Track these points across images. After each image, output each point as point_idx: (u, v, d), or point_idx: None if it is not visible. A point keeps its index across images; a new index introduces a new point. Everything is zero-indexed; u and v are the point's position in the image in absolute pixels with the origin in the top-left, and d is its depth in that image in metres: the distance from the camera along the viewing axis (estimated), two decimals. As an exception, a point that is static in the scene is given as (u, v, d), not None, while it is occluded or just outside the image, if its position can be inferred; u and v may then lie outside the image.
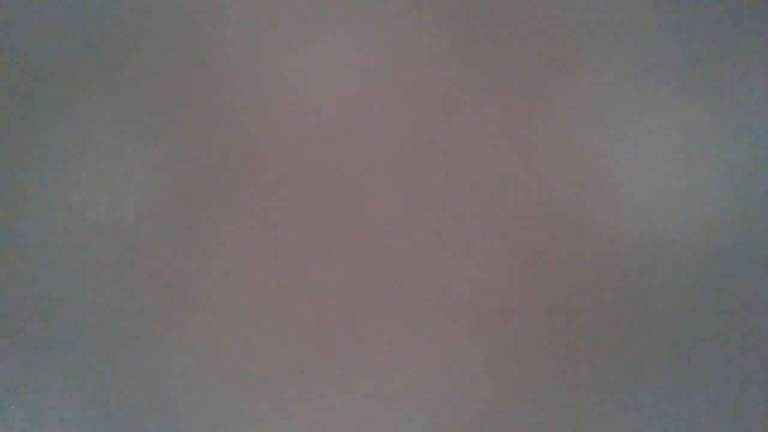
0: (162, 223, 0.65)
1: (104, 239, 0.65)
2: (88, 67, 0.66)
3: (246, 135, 0.66)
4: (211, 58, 0.66)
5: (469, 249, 0.65)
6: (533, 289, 0.65)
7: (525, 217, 0.65)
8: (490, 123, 0.66)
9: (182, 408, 0.64)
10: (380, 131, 0.66)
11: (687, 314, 0.65)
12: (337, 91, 0.66)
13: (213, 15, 0.67)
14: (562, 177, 0.65)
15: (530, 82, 0.66)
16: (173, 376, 0.64)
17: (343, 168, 0.66)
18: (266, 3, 0.67)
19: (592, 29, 0.66)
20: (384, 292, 0.65)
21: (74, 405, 0.64)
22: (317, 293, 0.65)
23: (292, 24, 0.66)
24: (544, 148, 0.66)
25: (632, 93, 0.66)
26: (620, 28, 0.66)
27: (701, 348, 0.65)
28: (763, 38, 0.66)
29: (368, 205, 0.65)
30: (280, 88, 0.66)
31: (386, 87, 0.66)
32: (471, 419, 0.64)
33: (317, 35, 0.66)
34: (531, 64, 0.66)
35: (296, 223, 0.65)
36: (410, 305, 0.65)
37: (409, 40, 0.66)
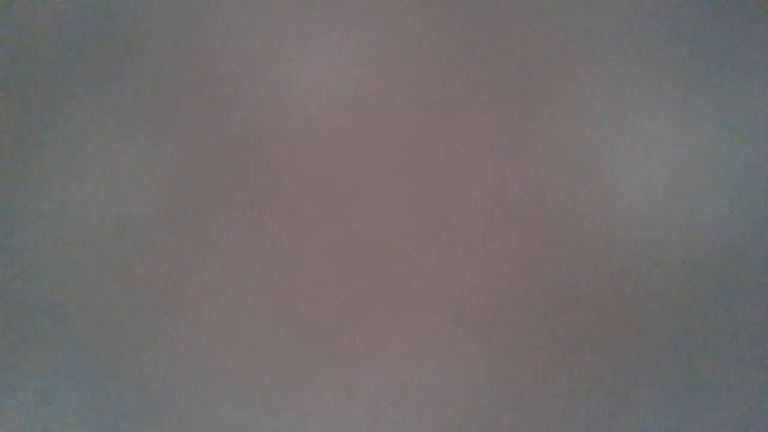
0: (162, 223, 0.65)
1: (104, 239, 0.65)
2: (88, 67, 0.66)
3: (246, 135, 0.66)
4: (212, 58, 0.66)
5: (469, 249, 0.65)
6: (533, 290, 0.65)
7: (525, 217, 0.65)
8: (490, 123, 0.66)
9: (182, 408, 0.64)
10: (380, 132, 0.66)
11: (687, 314, 0.65)
12: (337, 92, 0.66)
13: (213, 15, 0.67)
14: (562, 177, 0.65)
15: (530, 82, 0.66)
16: (173, 377, 0.64)
17: (344, 168, 0.66)
18: (267, 3, 0.67)
19: (592, 30, 0.66)
20: (384, 293, 0.65)
21: (74, 405, 0.65)
22: (317, 294, 0.65)
23: (292, 24, 0.66)
24: (544, 149, 0.66)
25: (632, 93, 0.66)
26: (620, 29, 0.66)
27: (701, 348, 0.65)
28: (763, 38, 0.66)
29: (368, 205, 0.65)
30: (280, 89, 0.66)
31: (386, 88, 0.66)
32: (471, 419, 0.64)
33: (318, 36, 0.66)
34: (531, 64, 0.66)
35: (297, 223, 0.65)
36: (410, 305, 0.65)
37: (409, 41, 0.66)
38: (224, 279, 0.65)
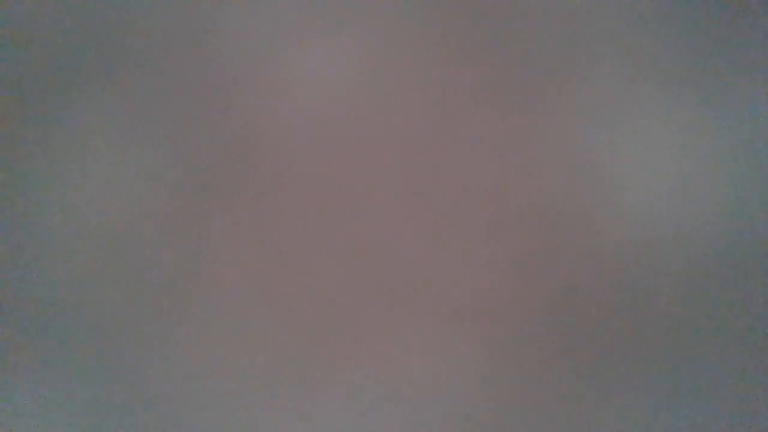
0: (162, 223, 0.65)
1: (104, 239, 0.65)
2: (88, 67, 0.66)
3: (246, 135, 0.66)
4: (212, 58, 0.66)
5: (469, 249, 0.65)
6: (534, 290, 0.65)
7: (525, 217, 0.65)
8: (490, 124, 0.66)
9: (182, 408, 0.64)
10: (380, 132, 0.66)
11: (687, 314, 0.65)
12: (337, 92, 0.66)
13: (213, 15, 0.67)
14: (562, 177, 0.65)
15: (530, 82, 0.66)
16: (173, 376, 0.64)
17: (343, 169, 0.66)
18: (267, 3, 0.67)
19: (592, 30, 0.66)
20: (384, 292, 0.65)
21: (74, 405, 0.65)
22: (317, 294, 0.65)
23: (292, 24, 0.66)
24: (544, 149, 0.66)
25: (632, 93, 0.66)
26: (620, 29, 0.66)
27: (701, 348, 0.65)
28: (763, 38, 0.66)
29: (369, 205, 0.65)
30: (280, 89, 0.66)
31: (386, 88, 0.66)
32: (471, 419, 0.64)
33: (318, 36, 0.66)
34: (531, 64, 0.66)
35: (297, 223, 0.65)
36: (411, 305, 0.65)
37: (409, 42, 0.66)
38: (225, 279, 0.65)
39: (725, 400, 0.64)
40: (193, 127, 0.66)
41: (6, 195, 0.65)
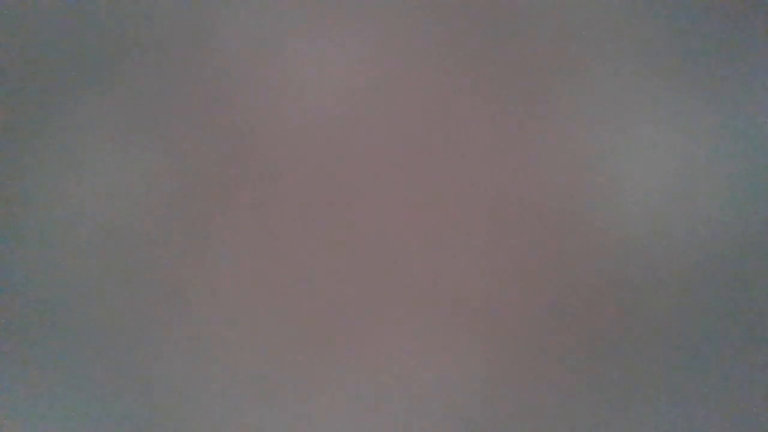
0: (162, 223, 0.65)
1: (104, 239, 0.65)
2: (87, 67, 0.66)
3: (247, 135, 0.66)
4: (212, 58, 0.66)
5: (469, 249, 0.65)
6: (534, 290, 0.65)
7: (526, 217, 0.65)
8: (491, 124, 0.66)
9: (182, 408, 0.64)
10: (381, 132, 0.66)
11: (687, 314, 0.65)
12: (338, 93, 0.66)
13: (213, 15, 0.67)
14: (563, 178, 0.65)
15: (531, 82, 0.66)
16: (173, 376, 0.64)
17: (344, 169, 0.66)
18: (267, 3, 0.67)
19: (593, 30, 0.66)
20: (384, 292, 0.65)
21: (74, 405, 0.65)
22: (317, 293, 0.65)
23: (293, 24, 0.66)
24: (545, 150, 0.66)
25: (632, 93, 0.66)
26: (621, 29, 0.66)
27: (701, 348, 0.65)
28: (763, 38, 0.66)
29: (368, 205, 0.65)
30: (280, 89, 0.66)
31: (386, 88, 0.66)
32: (471, 419, 0.64)
33: (319, 36, 0.66)
34: (532, 65, 0.66)
35: (297, 223, 0.65)
36: (410, 305, 0.65)
37: (409, 42, 0.66)
38: (225, 278, 0.65)
39: (725, 400, 0.64)
40: (193, 127, 0.66)
41: (6, 195, 0.65)
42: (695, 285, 0.65)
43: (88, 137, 0.66)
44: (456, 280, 0.65)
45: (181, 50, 0.66)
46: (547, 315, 0.65)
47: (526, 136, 0.66)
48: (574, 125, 0.66)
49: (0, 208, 0.65)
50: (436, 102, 0.66)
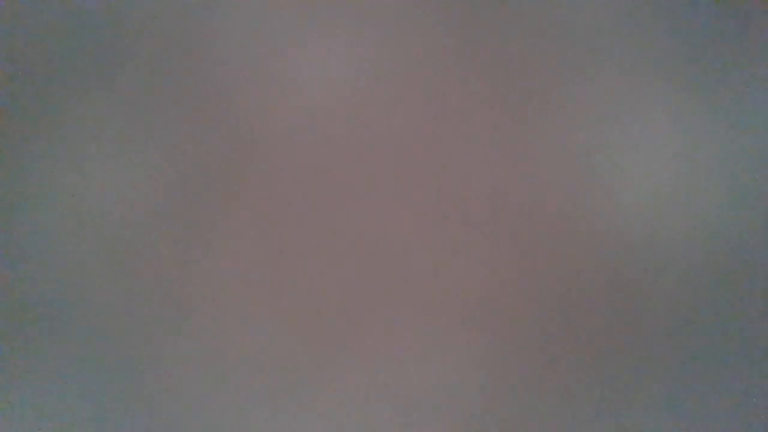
0: (162, 223, 0.65)
1: (105, 239, 0.65)
2: (87, 68, 0.66)
3: (247, 136, 0.66)
4: (212, 58, 0.66)
5: (469, 249, 0.65)
6: (534, 290, 0.65)
7: (526, 217, 0.65)
8: (491, 123, 0.66)
9: (182, 408, 0.64)
10: (381, 132, 0.66)
11: (687, 314, 0.65)
12: (337, 93, 0.66)
13: (213, 15, 0.67)
14: (563, 177, 0.65)
15: (531, 82, 0.66)
16: (173, 377, 0.64)
17: (344, 169, 0.66)
18: (266, 6, 0.67)
19: (593, 30, 0.66)
20: (385, 293, 0.65)
21: (74, 405, 0.65)
22: (317, 294, 0.65)
23: (292, 24, 0.66)
24: (545, 149, 0.66)
25: (632, 93, 0.66)
26: (620, 29, 0.66)
27: (701, 348, 0.65)
28: (763, 38, 0.66)
29: (368, 205, 0.65)
30: (280, 89, 0.66)
31: (387, 88, 0.66)
32: (472, 419, 0.64)
33: (318, 36, 0.66)
34: (531, 65, 0.66)
35: (297, 223, 0.65)
36: (410, 306, 0.65)
37: (409, 42, 0.66)
38: (225, 279, 0.65)
39: (725, 400, 0.64)
40: (193, 127, 0.66)
41: (6, 195, 0.65)
42: (695, 284, 0.65)
43: (89, 137, 0.66)
44: (456, 280, 0.65)
45: (182, 51, 0.66)
46: (547, 315, 0.65)
47: (526, 136, 0.66)
48: (574, 125, 0.66)
49: (0, 208, 0.65)
50: (436, 102, 0.66)
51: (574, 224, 0.65)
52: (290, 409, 0.64)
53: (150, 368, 0.65)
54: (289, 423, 0.64)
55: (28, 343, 0.65)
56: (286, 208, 0.65)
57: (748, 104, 0.66)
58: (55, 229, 0.65)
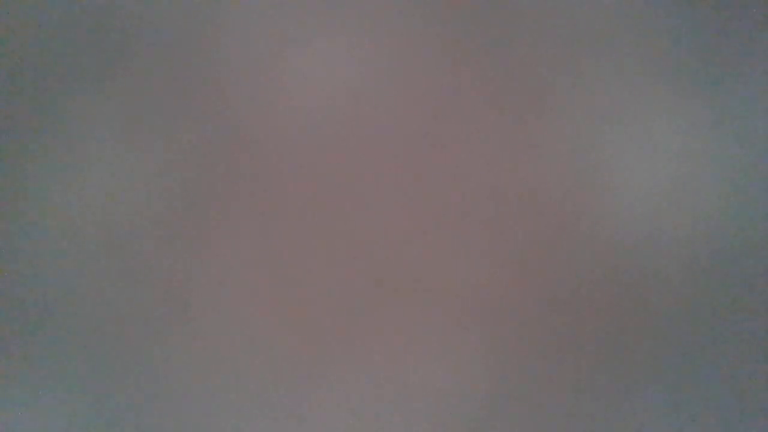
0: (162, 224, 0.65)
1: (104, 240, 0.65)
2: (87, 68, 0.66)
3: (247, 136, 0.66)
4: (212, 60, 0.66)
5: (469, 249, 0.65)
6: (534, 289, 0.65)
7: (525, 216, 0.65)
8: (491, 123, 0.66)
9: (182, 408, 0.64)
10: (380, 132, 0.66)
11: (686, 314, 0.65)
12: (337, 92, 0.66)
13: (212, 17, 0.67)
14: (563, 177, 0.65)
15: (531, 82, 0.66)
16: (173, 377, 0.64)
17: (344, 169, 0.66)
18: (266, 4, 0.67)
19: (593, 30, 0.66)
20: (383, 292, 0.65)
21: (74, 405, 0.65)
22: (317, 293, 0.65)
23: (292, 25, 0.66)
24: (544, 148, 0.66)
25: (632, 93, 0.66)
26: (621, 29, 0.66)
27: (700, 347, 0.65)
28: (763, 38, 0.66)
29: (368, 205, 0.65)
30: (280, 90, 0.66)
31: (386, 88, 0.66)
32: (471, 418, 0.64)
33: (318, 36, 0.66)
34: (531, 64, 0.66)
35: (296, 223, 0.65)
36: (410, 305, 0.65)
37: (409, 41, 0.66)
38: (224, 279, 0.65)
39: (725, 400, 0.64)
40: (192, 127, 0.66)
41: (5, 195, 0.65)
42: (695, 284, 0.65)
43: (89, 138, 0.66)
44: (456, 280, 0.65)
45: (182, 51, 0.66)
46: (548, 314, 0.65)
47: (526, 136, 0.66)
48: (574, 125, 0.66)
49: (0, 208, 0.65)
50: (436, 102, 0.66)
51: (574, 224, 0.65)
52: (290, 409, 0.64)
53: (150, 368, 0.65)
54: (289, 423, 0.64)
55: (28, 343, 0.65)
56: (286, 208, 0.65)
57: (748, 104, 0.66)
58: (55, 229, 0.65)
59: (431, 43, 0.66)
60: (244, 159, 0.66)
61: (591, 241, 0.65)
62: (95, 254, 0.65)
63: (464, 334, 0.65)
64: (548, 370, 0.64)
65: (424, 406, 0.64)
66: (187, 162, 0.66)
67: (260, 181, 0.65)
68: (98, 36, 0.66)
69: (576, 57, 0.66)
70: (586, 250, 0.65)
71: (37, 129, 0.66)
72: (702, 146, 0.66)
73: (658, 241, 0.65)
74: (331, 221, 0.65)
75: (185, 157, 0.66)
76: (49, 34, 0.66)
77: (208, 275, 0.65)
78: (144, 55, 0.66)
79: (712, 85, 0.66)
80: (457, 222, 0.65)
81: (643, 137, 0.66)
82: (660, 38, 0.66)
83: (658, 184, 0.65)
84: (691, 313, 0.65)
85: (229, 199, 0.65)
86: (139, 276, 0.65)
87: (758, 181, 0.65)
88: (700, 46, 0.66)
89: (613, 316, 0.65)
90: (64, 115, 0.66)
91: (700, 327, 0.65)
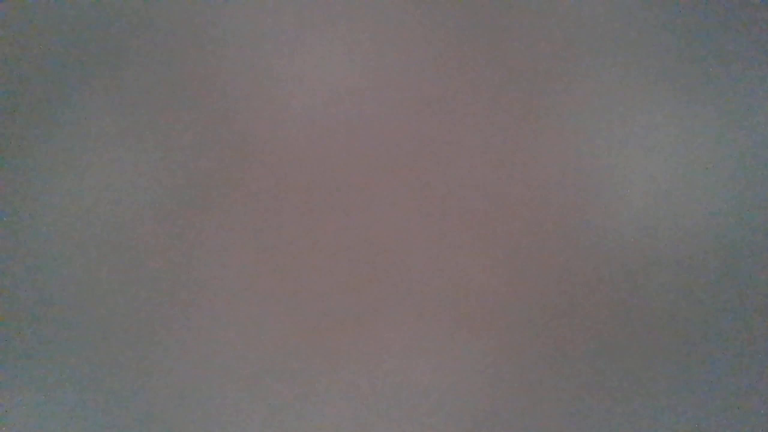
0: (162, 223, 0.65)
1: (104, 240, 0.65)
2: (87, 68, 0.66)
3: (246, 136, 0.66)
4: (212, 60, 0.66)
5: (469, 249, 0.65)
6: (533, 289, 0.65)
7: (526, 217, 0.65)
8: (490, 123, 0.66)
9: (182, 408, 0.64)
10: (379, 132, 0.66)
11: (686, 314, 0.65)
12: (336, 92, 0.66)
13: (213, 17, 0.67)
14: (562, 177, 0.65)
15: (530, 82, 0.66)
16: (173, 377, 0.64)
17: (343, 168, 0.66)
18: (266, 6, 0.67)
19: (593, 30, 0.66)
20: (384, 293, 0.65)
21: (75, 404, 0.65)
22: (316, 293, 0.65)
23: (292, 25, 0.66)
24: (544, 149, 0.66)
25: (632, 93, 0.66)
26: (621, 29, 0.66)
27: (701, 348, 0.65)
28: (763, 38, 0.66)
29: (367, 205, 0.65)
30: (280, 90, 0.66)
31: (385, 88, 0.66)
32: (471, 419, 0.64)
33: (318, 37, 0.66)
34: (531, 64, 0.66)
35: (296, 223, 0.65)
36: (410, 305, 0.65)
37: (409, 41, 0.66)
38: (224, 278, 0.65)
39: (725, 400, 0.64)
40: (192, 127, 0.66)
41: (5, 195, 0.65)
42: (695, 284, 0.65)
43: (89, 137, 0.66)
44: (456, 280, 0.65)
45: (182, 51, 0.66)
46: (548, 314, 0.65)
47: (526, 136, 0.66)
48: (573, 125, 0.66)
49: (0, 208, 0.65)
50: (436, 102, 0.66)
51: (574, 224, 0.65)
52: (290, 408, 0.64)
53: (149, 368, 0.65)
54: (289, 423, 0.64)
55: (28, 343, 0.65)
56: (287, 208, 0.65)
57: (748, 104, 0.66)
58: (54, 228, 0.65)
59: (431, 43, 0.66)
60: (245, 159, 0.66)
61: (591, 241, 0.65)
62: (95, 254, 0.65)
63: (464, 334, 0.65)
64: (548, 370, 0.64)
65: (424, 406, 0.64)
66: (187, 162, 0.66)
67: (260, 181, 0.65)
68: (98, 36, 0.66)
69: (576, 57, 0.66)
70: (586, 250, 0.65)
71: (37, 129, 0.66)
72: (702, 146, 0.66)
73: (657, 241, 0.65)
74: (331, 221, 0.65)
75: (185, 157, 0.66)
76: (49, 34, 0.66)
77: (208, 274, 0.65)
78: (144, 55, 0.66)
79: (712, 86, 0.66)
80: (457, 222, 0.65)
81: (643, 137, 0.66)
82: (660, 38, 0.66)
83: (657, 184, 0.65)
84: (692, 313, 0.65)
85: (229, 199, 0.65)
86: (140, 275, 0.65)
87: (758, 180, 0.65)
88: (700, 45, 0.66)
89: (612, 316, 0.65)
90: (64, 115, 0.66)
91: (699, 327, 0.65)
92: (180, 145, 0.66)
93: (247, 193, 0.65)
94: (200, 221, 0.65)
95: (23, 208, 0.65)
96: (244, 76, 0.66)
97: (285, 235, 0.65)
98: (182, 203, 0.65)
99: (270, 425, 0.64)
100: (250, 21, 0.67)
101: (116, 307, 0.65)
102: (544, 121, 0.66)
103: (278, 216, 0.65)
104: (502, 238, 0.65)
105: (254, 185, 0.65)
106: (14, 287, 0.65)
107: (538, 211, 0.65)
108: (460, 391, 0.64)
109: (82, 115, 0.66)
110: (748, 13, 0.66)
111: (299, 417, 0.64)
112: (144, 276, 0.65)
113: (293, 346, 0.65)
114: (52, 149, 0.66)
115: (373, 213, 0.65)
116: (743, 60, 0.66)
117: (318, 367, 0.65)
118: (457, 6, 0.67)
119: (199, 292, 0.65)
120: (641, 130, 0.66)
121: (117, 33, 0.66)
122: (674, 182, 0.65)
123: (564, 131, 0.66)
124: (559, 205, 0.65)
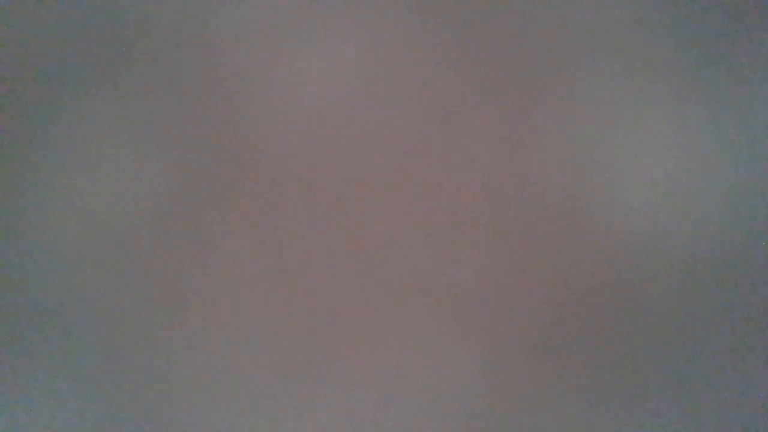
0: (163, 224, 0.65)
1: (105, 240, 0.65)
2: (88, 68, 0.66)
3: (246, 137, 0.66)
4: (212, 61, 0.66)
5: (469, 249, 0.65)
6: (533, 290, 0.65)
7: (525, 217, 0.65)
8: (490, 123, 0.66)
9: (182, 408, 0.64)
10: (379, 133, 0.66)
11: (687, 313, 0.65)
12: (337, 94, 0.66)
13: (214, 18, 0.67)
14: (562, 177, 0.65)
15: (530, 81, 0.66)
16: (174, 377, 0.64)
17: (343, 169, 0.66)
18: (266, 6, 0.67)
19: (593, 30, 0.66)
20: (384, 293, 0.65)
21: (75, 404, 0.65)
22: (316, 293, 0.65)
23: (292, 27, 0.66)
24: (544, 148, 0.66)
25: (631, 93, 0.66)
26: (620, 29, 0.66)
27: (700, 348, 0.65)
28: (763, 38, 0.66)
29: (368, 206, 0.65)
30: (280, 91, 0.66)
31: (385, 89, 0.66)
32: (471, 419, 0.64)
33: (319, 38, 0.66)
34: (531, 64, 0.66)
35: (297, 224, 0.65)
36: (410, 305, 0.65)
37: (409, 41, 0.66)
38: (225, 280, 0.65)
39: (725, 400, 0.64)
40: (192, 128, 0.66)
41: (6, 195, 0.65)
42: (695, 284, 0.65)
43: (89, 137, 0.66)
44: (456, 281, 0.65)
45: (182, 51, 0.66)
46: (547, 314, 0.65)
47: (526, 135, 0.66)
48: (573, 124, 0.66)
49: (0, 208, 0.65)
50: (436, 102, 0.66)
51: (574, 223, 0.65)
52: (290, 408, 0.64)
53: (150, 368, 0.65)
54: (289, 423, 0.64)
55: (28, 343, 0.65)
56: (287, 209, 0.65)
57: (748, 104, 0.66)
58: (55, 228, 0.65)
59: (431, 43, 0.66)
60: (245, 159, 0.66)
61: (591, 241, 0.65)
62: (96, 254, 0.65)
63: (464, 335, 0.65)
64: (548, 370, 0.64)
65: (424, 406, 0.64)
66: (187, 162, 0.66)
67: (261, 182, 0.65)
68: (99, 36, 0.66)
69: (575, 56, 0.66)
70: (586, 250, 0.65)
71: (37, 129, 0.66)
72: (702, 146, 0.66)
73: (658, 241, 0.65)
74: (332, 221, 0.65)
75: (185, 157, 0.66)
76: (49, 35, 0.66)
77: (208, 275, 0.65)
78: (144, 56, 0.66)
79: (712, 86, 0.66)
80: (457, 221, 0.65)
81: (644, 137, 0.66)
82: (660, 38, 0.66)
83: (658, 184, 0.65)
84: (692, 312, 0.65)
85: (229, 199, 0.65)
86: (140, 275, 0.65)
87: (758, 180, 0.65)
88: (700, 46, 0.66)
89: (612, 316, 0.65)
90: (64, 115, 0.66)
91: (700, 327, 0.65)
92: (180, 146, 0.66)
93: (247, 193, 0.65)
94: (200, 221, 0.65)
95: (23, 208, 0.65)
96: (246, 77, 0.66)
97: (285, 235, 0.65)
98: (182, 203, 0.65)
99: (270, 425, 0.64)
100: (252, 22, 0.67)
101: (117, 307, 0.65)
102: (544, 122, 0.66)
103: (279, 216, 0.65)
104: (503, 238, 0.65)
105: (255, 186, 0.65)
106: (14, 287, 0.65)
107: (537, 212, 0.65)
108: (459, 392, 0.64)
109: (82, 115, 0.66)
110: (748, 14, 0.66)
111: (299, 417, 0.64)
112: (144, 276, 0.65)
113: (293, 346, 0.65)
114: (52, 149, 0.66)
115: (373, 213, 0.65)
116: (743, 60, 0.66)
117: (318, 367, 0.65)
118: (457, 6, 0.66)
119: (199, 293, 0.65)
120: (641, 131, 0.66)
121: (118, 33, 0.66)
122: (674, 182, 0.65)
123: (564, 131, 0.66)
124: (559, 206, 0.65)
